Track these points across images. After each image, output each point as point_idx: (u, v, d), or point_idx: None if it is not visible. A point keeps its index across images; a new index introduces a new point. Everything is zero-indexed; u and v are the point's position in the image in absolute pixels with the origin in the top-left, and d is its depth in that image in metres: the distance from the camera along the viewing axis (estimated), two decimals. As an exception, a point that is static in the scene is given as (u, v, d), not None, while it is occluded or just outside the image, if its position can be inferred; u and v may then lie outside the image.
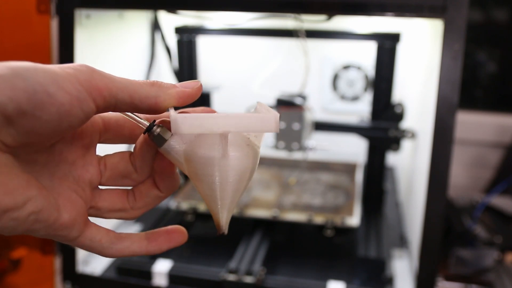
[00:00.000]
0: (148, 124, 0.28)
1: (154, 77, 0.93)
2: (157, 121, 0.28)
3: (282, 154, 0.85)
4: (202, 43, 0.98)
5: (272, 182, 0.90)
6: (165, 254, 0.76)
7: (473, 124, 1.20)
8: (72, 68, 0.24)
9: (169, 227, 0.32)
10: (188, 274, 0.68)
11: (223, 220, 0.29)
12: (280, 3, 0.59)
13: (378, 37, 0.80)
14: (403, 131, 0.81)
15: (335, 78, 1.04)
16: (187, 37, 0.87)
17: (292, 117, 0.79)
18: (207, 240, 0.83)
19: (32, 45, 0.68)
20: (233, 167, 0.27)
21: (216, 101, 0.96)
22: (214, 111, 0.31)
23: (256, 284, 0.64)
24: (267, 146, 0.84)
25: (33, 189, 0.24)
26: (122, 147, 0.31)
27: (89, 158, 0.29)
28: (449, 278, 0.82)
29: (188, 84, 0.28)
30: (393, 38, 0.79)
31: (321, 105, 1.06)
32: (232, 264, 0.68)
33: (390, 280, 0.69)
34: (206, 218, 0.81)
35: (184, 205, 0.80)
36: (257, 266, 0.68)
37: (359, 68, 1.02)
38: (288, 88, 0.84)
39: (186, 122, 0.26)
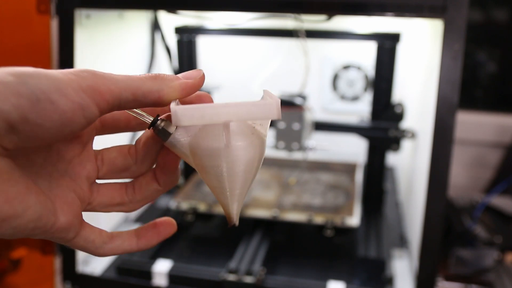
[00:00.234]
0: (151, 119, 0.28)
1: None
2: (161, 116, 0.28)
3: (282, 154, 0.85)
4: (202, 43, 0.98)
5: (272, 182, 0.90)
6: (165, 254, 0.76)
7: (473, 124, 1.20)
8: (74, 74, 0.24)
9: (156, 220, 0.31)
10: (188, 274, 0.68)
11: (234, 211, 0.29)
12: (280, 3, 0.59)
13: (378, 37, 0.80)
14: (403, 131, 0.81)
15: (335, 78, 1.04)
16: (187, 37, 0.87)
17: (292, 117, 0.79)
18: (207, 240, 0.83)
19: (32, 45, 0.68)
20: (238, 157, 0.27)
21: (216, 101, 0.96)
22: (208, 96, 0.30)
23: (256, 284, 0.64)
24: (267, 146, 0.83)
25: (32, 197, 0.24)
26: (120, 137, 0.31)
27: (86, 154, 0.29)
28: (449, 278, 0.82)
29: (191, 74, 0.28)
30: (393, 38, 0.79)
31: (321, 105, 1.06)
32: (232, 264, 0.68)
33: (390, 280, 0.69)
34: (206, 218, 0.81)
35: (184, 205, 0.80)
36: (257, 266, 0.68)
37: (359, 68, 1.02)
38: (288, 88, 0.84)
39: (187, 114, 0.26)
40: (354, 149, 1.00)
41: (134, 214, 0.87)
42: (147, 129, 0.29)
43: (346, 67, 1.03)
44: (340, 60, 1.03)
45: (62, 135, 0.23)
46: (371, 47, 0.83)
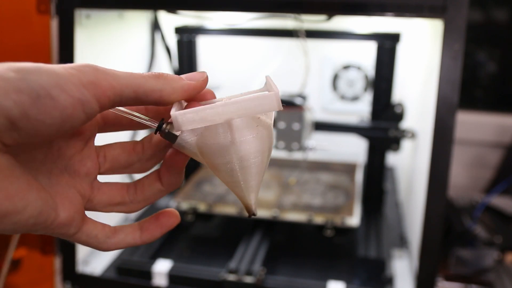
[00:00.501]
0: (157, 124, 0.28)
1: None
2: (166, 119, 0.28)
3: (282, 154, 0.85)
4: (202, 43, 0.98)
5: (272, 182, 0.90)
6: (165, 254, 0.76)
7: (473, 124, 1.20)
8: (75, 68, 0.23)
9: (159, 212, 0.31)
10: (188, 274, 0.68)
11: (251, 201, 0.29)
12: (280, 3, 0.59)
13: (378, 37, 0.80)
14: (403, 131, 0.81)
15: (335, 78, 1.04)
16: (187, 37, 0.87)
17: (292, 117, 0.79)
18: (207, 240, 0.83)
19: (32, 45, 0.68)
20: (247, 151, 0.27)
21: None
22: (211, 92, 0.30)
23: (256, 284, 0.64)
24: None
25: (32, 193, 0.24)
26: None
27: (87, 151, 0.29)
28: (449, 278, 0.82)
29: (194, 76, 0.28)
30: (393, 38, 0.79)
31: (321, 105, 1.06)
32: (232, 264, 0.68)
33: (390, 280, 0.69)
34: (206, 218, 0.81)
35: (184, 205, 0.80)
36: (257, 266, 0.68)
37: (359, 68, 1.02)
38: (288, 88, 0.84)
39: (186, 118, 0.26)
40: (354, 149, 1.00)
41: (134, 214, 0.87)
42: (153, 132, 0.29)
43: (346, 67, 1.03)
44: (340, 60, 1.03)
45: (63, 131, 0.23)
46: (371, 47, 0.83)
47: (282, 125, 0.80)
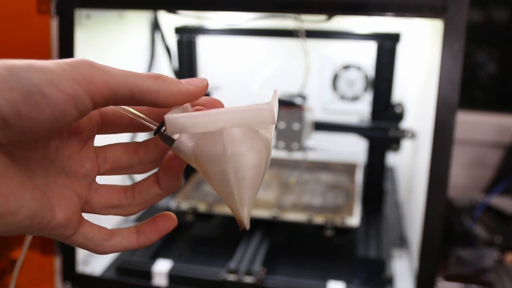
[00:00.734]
0: (157, 126, 0.28)
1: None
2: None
3: (282, 154, 0.85)
4: (202, 43, 0.98)
5: (272, 182, 0.90)
6: (165, 254, 0.76)
7: (473, 124, 1.20)
8: (69, 64, 0.23)
9: (155, 216, 0.31)
10: (188, 274, 0.68)
11: (244, 215, 0.28)
12: (280, 3, 0.59)
13: (378, 37, 0.80)
14: (403, 131, 0.81)
15: (335, 78, 1.04)
16: (187, 37, 0.87)
17: (292, 117, 0.79)
18: (207, 240, 0.83)
19: (32, 45, 0.68)
20: (240, 162, 0.26)
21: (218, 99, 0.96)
22: (220, 102, 0.30)
23: (256, 284, 0.64)
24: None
25: (27, 193, 0.24)
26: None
27: (86, 152, 0.29)
28: (449, 278, 0.82)
29: (194, 81, 0.28)
30: (393, 38, 0.79)
31: (321, 105, 1.06)
32: (232, 264, 0.68)
33: (390, 280, 0.69)
34: (206, 218, 0.81)
35: (184, 205, 0.80)
36: (257, 266, 0.68)
37: (359, 68, 1.02)
38: (288, 88, 0.84)
39: (178, 122, 0.26)
40: (354, 149, 1.00)
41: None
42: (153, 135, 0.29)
43: (346, 67, 1.03)
44: (340, 60, 1.03)
45: (56, 128, 0.23)
46: (371, 47, 0.83)
47: (282, 125, 0.80)
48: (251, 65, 1.05)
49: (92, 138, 0.29)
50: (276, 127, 0.81)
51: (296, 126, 0.79)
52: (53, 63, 0.23)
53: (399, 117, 0.81)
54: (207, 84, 0.28)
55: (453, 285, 0.81)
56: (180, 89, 0.27)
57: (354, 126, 0.84)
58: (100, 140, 0.30)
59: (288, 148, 0.81)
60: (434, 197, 0.59)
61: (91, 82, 0.23)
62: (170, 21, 0.91)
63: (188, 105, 0.29)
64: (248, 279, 0.65)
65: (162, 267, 0.69)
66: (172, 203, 0.81)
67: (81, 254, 0.71)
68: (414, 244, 0.71)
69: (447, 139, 0.57)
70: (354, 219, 0.75)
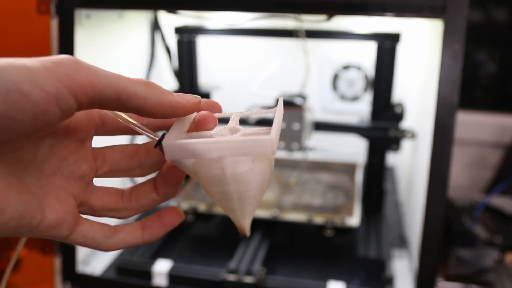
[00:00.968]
0: (158, 138, 0.27)
1: (154, 77, 0.93)
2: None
3: (282, 154, 0.85)
4: (202, 43, 0.98)
5: (272, 182, 0.90)
6: (165, 254, 0.76)
7: (473, 124, 1.20)
8: (53, 61, 0.22)
9: (161, 210, 0.30)
10: (188, 274, 0.68)
11: (245, 225, 0.28)
12: (280, 3, 0.59)
13: (378, 37, 0.80)
14: (403, 131, 0.81)
15: (335, 78, 1.04)
16: (187, 37, 0.87)
17: (292, 117, 0.79)
18: (207, 240, 0.83)
19: (32, 45, 0.68)
20: (240, 183, 0.26)
21: (216, 101, 0.96)
22: (218, 105, 0.30)
23: (256, 284, 0.64)
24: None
25: (13, 194, 0.23)
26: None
27: (83, 153, 0.28)
28: (449, 278, 0.82)
29: (186, 96, 0.27)
30: (393, 38, 0.79)
31: (321, 105, 1.06)
32: (232, 264, 0.68)
33: (390, 280, 0.69)
34: (206, 218, 0.81)
35: (184, 205, 0.80)
36: (257, 266, 0.68)
37: (359, 68, 1.02)
38: (288, 88, 0.84)
39: (176, 150, 0.25)
40: (354, 149, 1.00)
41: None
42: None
43: (346, 67, 1.03)
44: (340, 60, 1.03)
45: (38, 128, 0.22)
46: (371, 47, 0.83)
47: (282, 125, 0.80)
48: (251, 65, 1.05)
49: (89, 139, 0.29)
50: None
51: (296, 126, 0.79)
52: (36, 61, 0.22)
53: (399, 117, 0.81)
54: (199, 101, 0.28)
55: (453, 285, 0.81)
56: (170, 100, 0.26)
57: (354, 126, 0.84)
58: (100, 141, 0.30)
59: (288, 148, 0.81)
60: (434, 197, 0.59)
61: (75, 80, 0.22)
62: (170, 21, 0.91)
63: (191, 116, 0.28)
64: (248, 279, 0.65)
65: (162, 267, 0.69)
66: (172, 203, 0.81)
67: (81, 254, 0.71)
68: (414, 244, 0.71)
69: (447, 139, 0.57)
70: (354, 219, 0.75)
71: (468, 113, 1.21)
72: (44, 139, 0.26)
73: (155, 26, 0.91)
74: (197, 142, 0.25)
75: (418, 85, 0.84)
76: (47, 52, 0.66)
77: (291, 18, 0.71)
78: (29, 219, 0.24)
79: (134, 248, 0.77)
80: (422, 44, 0.82)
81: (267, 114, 0.84)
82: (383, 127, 0.82)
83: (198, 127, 0.29)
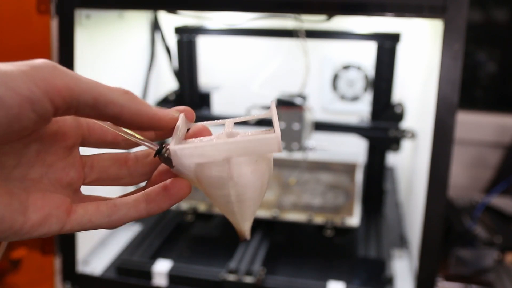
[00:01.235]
0: (157, 147, 0.27)
1: (154, 77, 0.93)
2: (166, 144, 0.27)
3: (282, 154, 0.85)
4: (202, 43, 0.98)
5: (272, 182, 0.90)
6: (165, 254, 0.76)
7: (473, 124, 1.20)
8: (29, 65, 0.22)
9: (167, 182, 0.28)
10: (188, 274, 0.68)
11: (245, 228, 0.29)
12: (280, 3, 0.59)
13: (378, 37, 0.80)
14: (403, 131, 0.81)
15: (335, 78, 1.04)
16: (187, 37, 0.87)
17: (292, 117, 0.79)
18: (207, 240, 0.83)
19: (32, 45, 0.68)
20: (245, 185, 0.27)
21: (216, 101, 0.96)
22: (207, 130, 0.30)
23: (256, 284, 0.64)
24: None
25: None
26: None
27: (71, 159, 0.28)
28: (449, 278, 0.82)
29: (165, 110, 0.27)
30: (393, 38, 0.79)
31: (321, 105, 1.06)
32: (232, 264, 0.68)
33: (390, 280, 0.69)
34: (206, 218, 0.81)
35: (184, 205, 0.80)
36: (257, 266, 0.68)
37: (359, 68, 1.02)
38: (288, 88, 0.84)
39: (185, 153, 0.25)
40: (354, 149, 1.00)
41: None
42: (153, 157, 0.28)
43: (346, 67, 1.03)
44: (340, 60, 1.03)
45: (13, 132, 0.22)
46: (371, 47, 0.83)
47: (282, 125, 0.80)
48: (251, 65, 1.05)
49: (77, 146, 0.28)
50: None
51: (296, 126, 0.79)
52: (12, 65, 0.22)
53: (399, 117, 0.81)
54: (178, 117, 0.27)
55: (453, 285, 0.81)
56: (147, 111, 0.26)
57: (354, 126, 0.84)
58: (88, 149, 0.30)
59: (288, 148, 0.81)
60: (434, 197, 0.59)
61: (51, 83, 0.22)
62: (170, 21, 0.91)
63: (178, 134, 0.28)
64: (248, 279, 0.65)
65: (162, 267, 0.69)
66: (172, 203, 0.81)
67: (81, 254, 0.71)
68: (414, 244, 0.71)
69: (447, 139, 0.57)
70: (354, 219, 0.75)
71: (468, 113, 1.21)
72: (30, 145, 0.26)
73: (155, 26, 0.91)
74: (204, 145, 0.26)
75: (418, 85, 0.84)
76: (47, 52, 0.66)
77: (291, 18, 0.71)
78: (10, 223, 0.24)
79: (134, 248, 0.77)
80: (422, 44, 0.82)
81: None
82: (383, 127, 0.82)
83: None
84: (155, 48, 0.92)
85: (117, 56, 0.80)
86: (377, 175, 0.86)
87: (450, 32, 0.56)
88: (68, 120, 0.27)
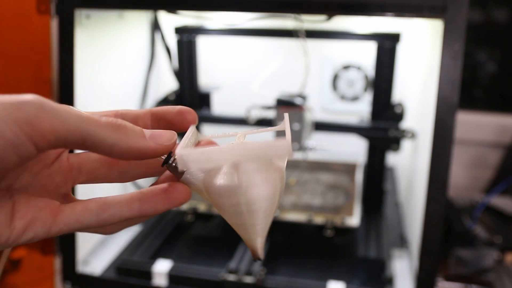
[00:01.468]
0: (165, 157, 0.27)
1: (154, 77, 0.93)
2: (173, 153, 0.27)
3: (282, 154, 0.85)
4: (202, 43, 0.98)
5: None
6: (165, 254, 0.76)
7: (473, 124, 1.20)
8: (15, 105, 0.21)
9: (168, 184, 0.27)
10: (188, 274, 0.68)
11: (258, 245, 0.27)
12: (280, 3, 0.59)
13: (378, 37, 0.80)
14: (403, 131, 0.81)
15: (335, 78, 1.04)
16: (187, 37, 0.87)
17: (292, 117, 0.79)
18: (207, 240, 0.83)
19: (32, 45, 0.68)
20: (255, 194, 0.26)
21: (216, 101, 0.96)
22: (214, 143, 0.29)
23: (256, 284, 0.64)
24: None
25: None
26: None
27: (57, 166, 0.27)
28: (449, 278, 0.82)
29: (160, 136, 0.26)
30: (393, 38, 0.79)
31: (321, 105, 1.06)
32: (232, 264, 0.68)
33: (390, 280, 0.69)
34: (206, 218, 0.81)
35: (184, 205, 0.80)
36: (257, 266, 0.68)
37: (359, 68, 1.02)
38: (288, 88, 0.84)
39: (192, 159, 0.25)
40: (354, 149, 1.00)
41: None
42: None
43: (346, 67, 1.03)
44: (340, 60, 1.03)
45: None
46: (371, 47, 0.83)
47: (282, 125, 0.80)
48: (251, 65, 1.05)
49: (64, 151, 0.28)
50: (276, 127, 0.81)
51: (296, 126, 0.79)
52: None
53: (399, 117, 0.81)
54: (175, 141, 0.26)
55: (453, 285, 0.81)
56: (139, 146, 0.25)
57: (354, 126, 0.84)
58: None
59: (288, 148, 0.81)
60: (434, 197, 0.59)
61: (36, 127, 0.21)
62: (170, 21, 0.91)
63: (194, 133, 0.28)
64: (248, 279, 0.65)
65: (162, 267, 0.69)
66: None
67: (81, 254, 0.71)
68: (414, 244, 0.71)
69: (447, 139, 0.57)
70: (354, 219, 0.75)
71: (468, 113, 1.21)
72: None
73: (155, 26, 0.91)
74: (212, 149, 0.25)
75: (418, 85, 0.84)
76: (47, 52, 0.66)
77: (291, 18, 0.71)
78: None
79: (134, 248, 0.77)
80: (422, 44, 0.82)
81: (267, 115, 0.84)
82: (383, 127, 0.82)
83: None
84: (155, 48, 0.92)
85: (117, 56, 0.80)
86: (377, 175, 0.86)
87: (450, 32, 0.56)
88: None
